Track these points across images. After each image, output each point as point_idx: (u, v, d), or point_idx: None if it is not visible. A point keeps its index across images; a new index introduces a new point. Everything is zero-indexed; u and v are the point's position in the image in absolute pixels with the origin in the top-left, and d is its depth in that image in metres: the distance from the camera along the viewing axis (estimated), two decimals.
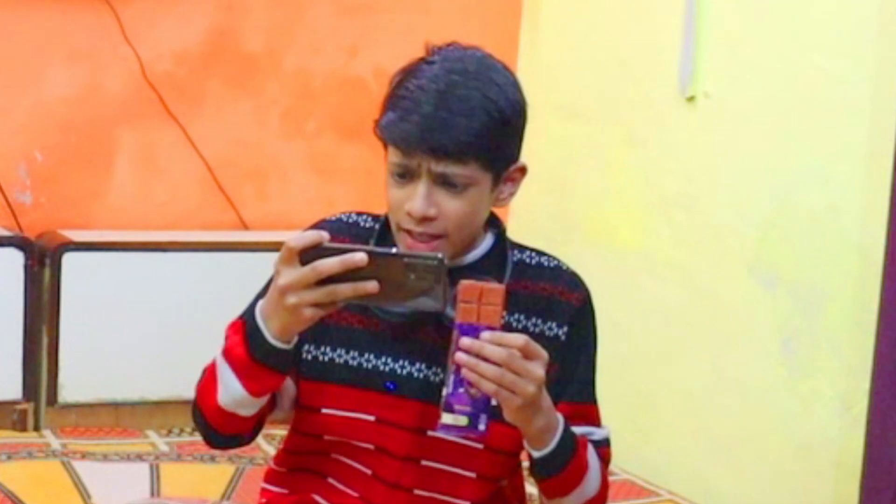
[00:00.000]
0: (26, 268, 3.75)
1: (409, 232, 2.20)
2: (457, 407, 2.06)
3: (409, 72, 2.23)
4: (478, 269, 2.26)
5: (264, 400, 2.23)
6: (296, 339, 2.16)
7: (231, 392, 2.19)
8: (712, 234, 3.67)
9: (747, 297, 3.54)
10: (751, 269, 3.53)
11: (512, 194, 2.29)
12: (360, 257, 2.01)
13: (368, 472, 2.27)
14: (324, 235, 2.06)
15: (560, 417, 2.17)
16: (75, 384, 3.84)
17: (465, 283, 2.07)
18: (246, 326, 2.18)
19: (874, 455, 3.09)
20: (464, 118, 2.15)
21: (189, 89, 4.06)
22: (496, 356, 2.01)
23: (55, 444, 3.69)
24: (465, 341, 2.03)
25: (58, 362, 3.81)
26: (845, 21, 3.29)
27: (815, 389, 3.36)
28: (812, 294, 3.38)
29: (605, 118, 4.06)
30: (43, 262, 3.78)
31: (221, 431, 2.26)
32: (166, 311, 3.91)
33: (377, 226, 2.32)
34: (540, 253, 2.34)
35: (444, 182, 2.16)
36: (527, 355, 2.03)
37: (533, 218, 4.25)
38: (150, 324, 3.88)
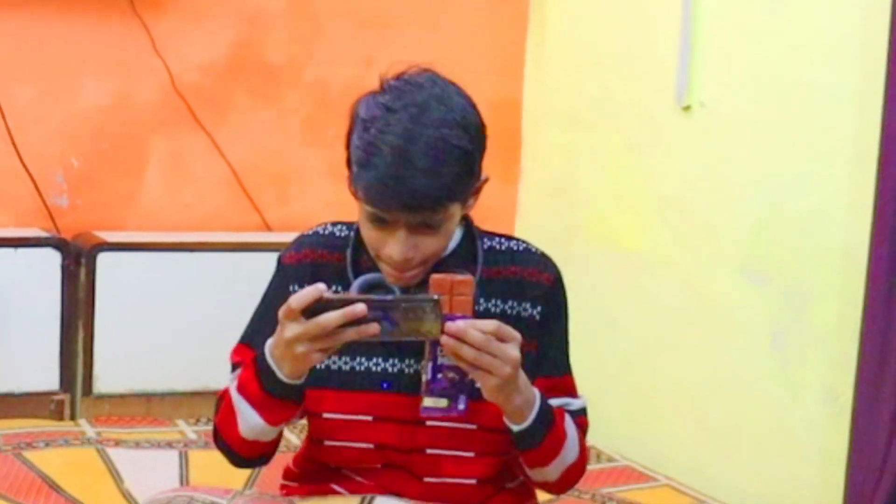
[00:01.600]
0: (63, 267, 3.75)
1: (388, 270, 2.20)
2: (436, 390, 2.07)
3: (370, 121, 2.15)
4: (452, 261, 2.26)
5: (283, 426, 2.25)
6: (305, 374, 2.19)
7: (251, 424, 2.21)
8: (707, 235, 3.65)
9: (739, 295, 3.53)
10: (743, 269, 3.52)
11: (476, 200, 2.27)
12: (360, 309, 2.01)
13: (371, 418, 2.29)
14: (321, 289, 2.04)
15: (536, 392, 2.17)
16: (109, 376, 3.84)
17: (435, 277, 2.07)
18: (257, 364, 2.19)
19: (859, 443, 3.08)
20: (433, 176, 2.10)
21: (215, 99, 4.06)
22: (474, 340, 2.02)
23: (90, 432, 3.69)
24: (450, 326, 2.03)
25: (93, 356, 3.81)
26: (831, 37, 3.28)
27: (802, 381, 3.35)
28: (800, 292, 3.36)
29: (606, 126, 4.04)
30: (79, 262, 3.77)
31: (247, 456, 2.29)
32: (194, 307, 3.89)
33: (351, 233, 2.30)
34: (508, 238, 2.34)
35: (416, 231, 2.14)
36: (501, 338, 2.04)
37: (538, 221, 4.28)
38: (179, 319, 3.87)
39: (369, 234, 2.19)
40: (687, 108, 3.69)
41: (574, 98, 4.19)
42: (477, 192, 2.25)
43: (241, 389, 2.19)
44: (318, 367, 2.20)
